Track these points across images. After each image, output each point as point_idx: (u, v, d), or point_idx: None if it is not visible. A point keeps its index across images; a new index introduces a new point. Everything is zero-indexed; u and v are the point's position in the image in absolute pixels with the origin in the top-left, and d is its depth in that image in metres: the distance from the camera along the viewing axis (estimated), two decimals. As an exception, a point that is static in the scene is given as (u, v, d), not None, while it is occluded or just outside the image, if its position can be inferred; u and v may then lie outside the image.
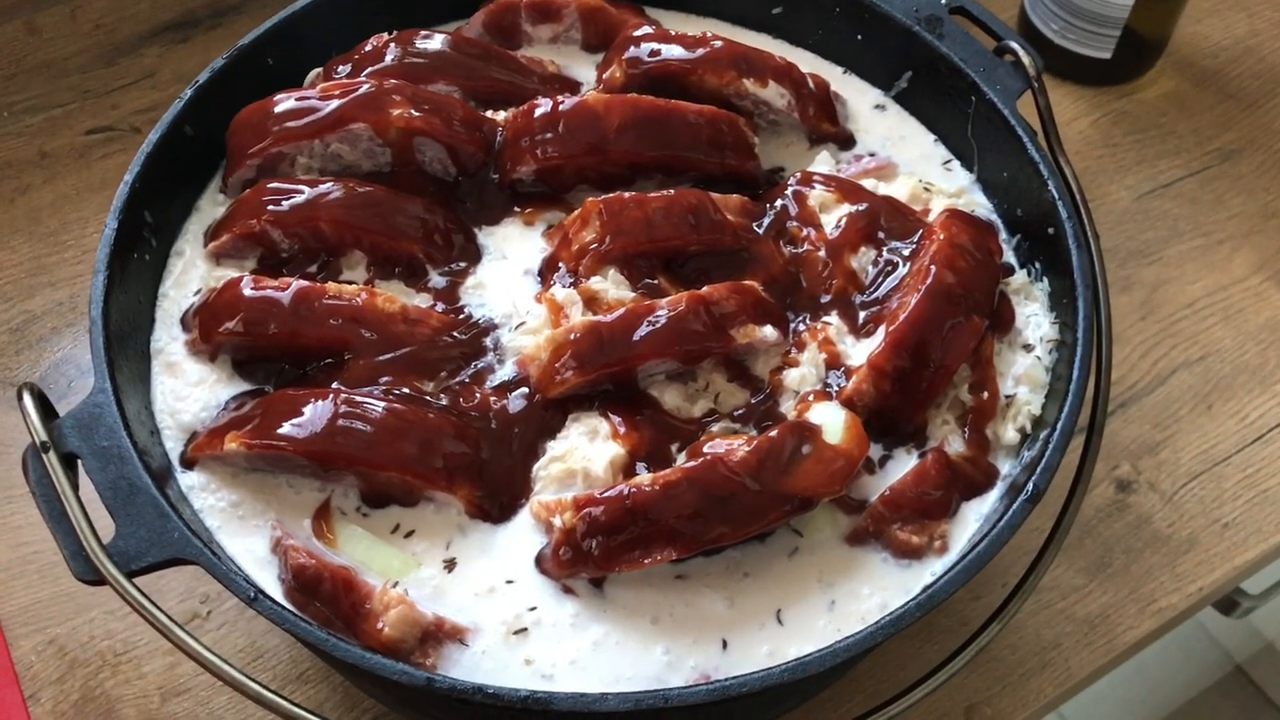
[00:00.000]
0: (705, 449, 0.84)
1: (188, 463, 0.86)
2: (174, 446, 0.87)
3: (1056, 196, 0.93)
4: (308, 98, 0.96)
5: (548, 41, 1.10)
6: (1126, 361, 1.29)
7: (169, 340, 0.92)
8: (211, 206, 0.99)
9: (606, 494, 0.80)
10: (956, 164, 1.05)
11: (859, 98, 1.09)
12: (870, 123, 1.07)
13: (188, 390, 0.89)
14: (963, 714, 1.06)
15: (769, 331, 0.90)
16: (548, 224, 0.98)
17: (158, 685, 1.05)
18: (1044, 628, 1.12)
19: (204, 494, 0.85)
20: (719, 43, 1.02)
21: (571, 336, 0.87)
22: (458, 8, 1.10)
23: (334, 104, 0.95)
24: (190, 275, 0.95)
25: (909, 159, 1.05)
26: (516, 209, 0.99)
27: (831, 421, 0.85)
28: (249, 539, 0.84)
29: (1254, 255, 1.36)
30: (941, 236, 0.91)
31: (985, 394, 0.89)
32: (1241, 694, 2.12)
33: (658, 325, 0.86)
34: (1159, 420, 1.24)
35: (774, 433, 0.83)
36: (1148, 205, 1.41)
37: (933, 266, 0.89)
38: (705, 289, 0.89)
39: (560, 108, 0.96)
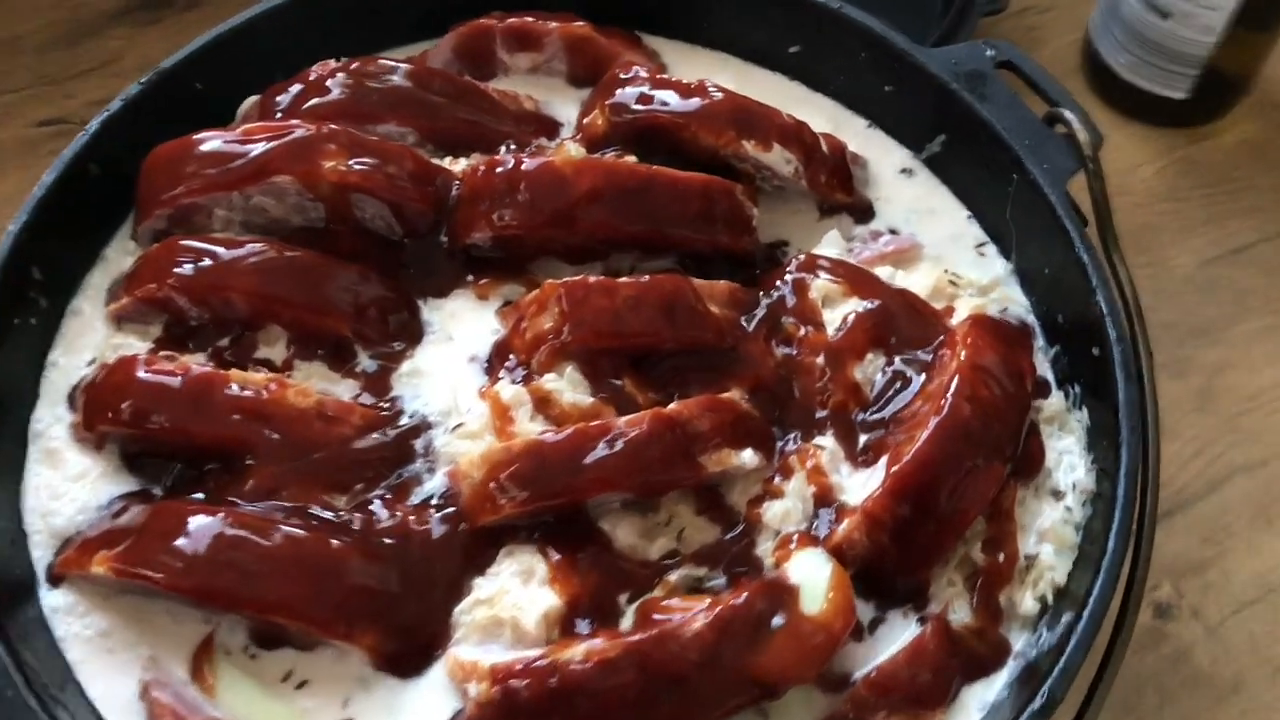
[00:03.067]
0: (657, 614, 0.70)
1: (54, 578, 0.73)
2: (42, 555, 0.75)
3: (1105, 311, 0.78)
4: (231, 140, 0.82)
5: (527, 71, 0.96)
6: (1176, 459, 1.13)
7: (52, 421, 0.79)
8: (120, 256, 0.86)
9: (531, 664, 0.67)
10: (992, 248, 0.89)
11: (884, 158, 0.93)
12: (894, 190, 0.92)
13: (66, 486, 0.76)
14: None
15: (748, 457, 0.75)
16: (504, 300, 0.84)
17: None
18: (1058, 778, 0.98)
19: (69, 619, 0.73)
20: (718, 94, 0.86)
21: (509, 456, 0.73)
22: (425, 26, 0.95)
23: (257, 150, 0.81)
24: (85, 340, 0.82)
25: (936, 238, 0.90)
26: (470, 278, 0.85)
27: (813, 582, 0.70)
28: (115, 679, 0.71)
29: (1335, 341, 1.20)
30: (963, 355, 0.76)
31: (1001, 555, 0.74)
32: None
33: (613, 450, 0.72)
34: (1209, 533, 1.09)
35: (740, 597, 0.69)
36: (1214, 274, 1.24)
37: (948, 396, 0.74)
38: (674, 406, 0.75)
39: (522, 168, 0.82)
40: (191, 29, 1.33)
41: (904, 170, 0.93)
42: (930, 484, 0.72)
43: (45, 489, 0.76)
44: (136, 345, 0.81)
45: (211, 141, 0.82)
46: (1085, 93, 1.35)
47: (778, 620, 0.68)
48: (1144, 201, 1.29)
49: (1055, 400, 0.81)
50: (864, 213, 0.90)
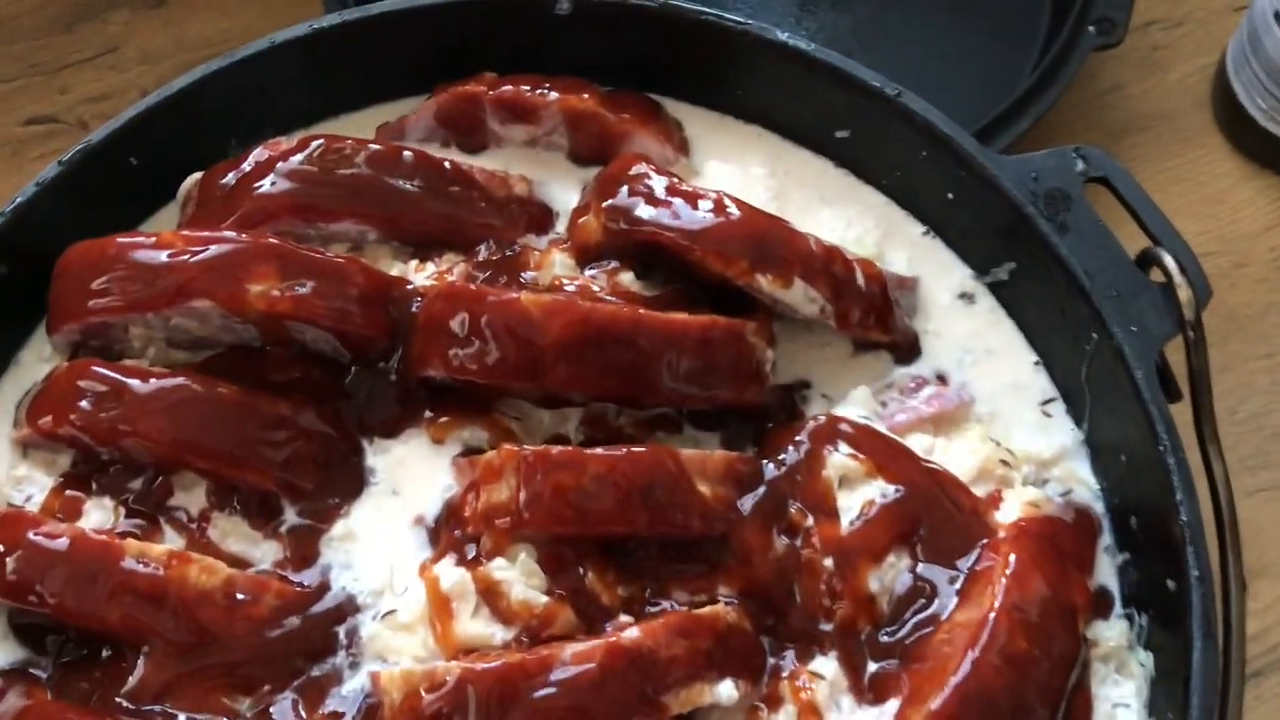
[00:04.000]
0: None
1: (-81, 775, 0.64)
2: (-93, 741, 0.65)
3: (1187, 538, 0.62)
4: (149, 249, 0.70)
5: (522, 144, 0.81)
6: (1270, 610, 0.96)
7: (-63, 568, 0.69)
8: (36, 362, 0.76)
9: None
10: (1060, 408, 0.73)
11: (940, 277, 0.77)
12: (948, 321, 0.76)
13: (-58, 654, 0.67)
14: None
15: (724, 691, 0.63)
16: (464, 445, 0.71)
17: None
18: None
19: (-71, 823, 0.63)
20: (736, 212, 0.71)
21: (432, 683, 0.61)
22: (403, 81, 0.81)
23: (177, 266, 0.68)
24: (-16, 469, 0.72)
25: (993, 388, 0.74)
26: (426, 414, 0.72)
27: None
28: None
29: None
30: (1003, 588, 0.62)
31: None
32: None
33: (555, 693, 0.60)
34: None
35: None
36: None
37: (975, 651, 0.60)
38: (634, 634, 0.62)
39: (487, 300, 0.68)
40: (198, 16, 1.21)
41: (963, 295, 0.77)
42: (939, 764, 0.59)
43: (-82, 656, 0.67)
44: (41, 479, 0.71)
45: (129, 251, 0.70)
46: (1212, 131, 1.15)
47: None
48: (1270, 275, 1.09)
49: (1117, 628, 0.66)
50: (907, 351, 0.75)
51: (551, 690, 0.60)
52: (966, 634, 0.61)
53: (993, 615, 0.61)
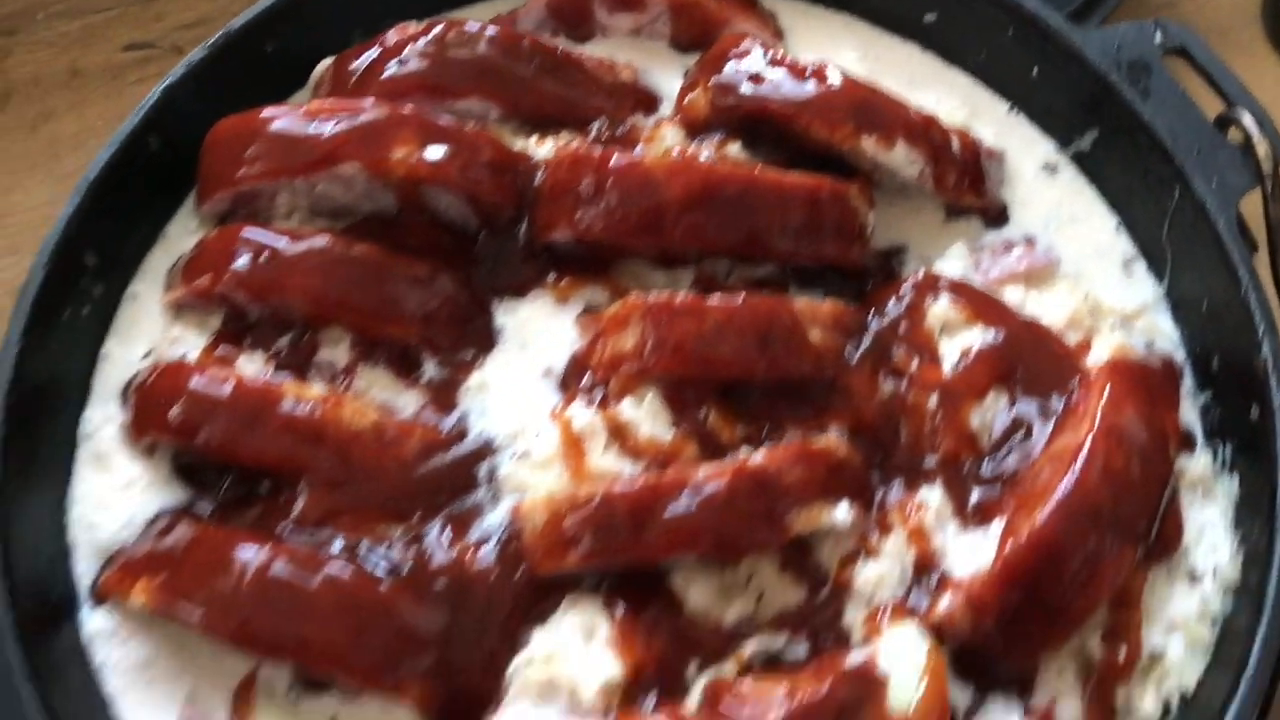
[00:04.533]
0: (728, 701, 0.63)
1: (97, 598, 0.70)
2: (85, 571, 0.71)
3: (1272, 366, 0.67)
4: (298, 120, 0.75)
5: (627, 33, 0.86)
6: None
7: (103, 421, 0.75)
8: (183, 235, 0.80)
9: (587, 751, 0.61)
10: (1142, 266, 0.78)
11: (1024, 150, 0.82)
12: (1034, 190, 0.81)
13: (113, 496, 0.72)
14: None
15: (841, 514, 0.68)
16: (586, 304, 0.77)
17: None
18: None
19: (109, 644, 0.69)
20: (838, 80, 0.76)
21: (576, 504, 0.66)
22: (517, -21, 0.86)
23: (325, 135, 0.74)
24: (141, 330, 0.77)
25: (1078, 252, 0.79)
26: (550, 277, 0.77)
27: (904, 670, 0.63)
28: (153, 713, 0.68)
29: None
30: (1099, 413, 0.67)
31: (1123, 648, 0.65)
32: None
33: (689, 508, 0.65)
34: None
35: (820, 688, 0.62)
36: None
37: (1077, 466, 0.65)
38: (760, 458, 0.67)
39: (610, 165, 0.73)
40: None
41: (1047, 166, 0.81)
42: (1047, 569, 0.64)
43: (92, 498, 0.72)
44: (193, 339, 0.76)
45: (277, 121, 0.76)
46: (1264, 49, 1.19)
47: (863, 716, 0.61)
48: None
49: (1201, 460, 0.71)
50: (997, 217, 0.80)
51: (685, 509, 0.65)
52: (1067, 456, 0.66)
53: (1091, 436, 0.66)
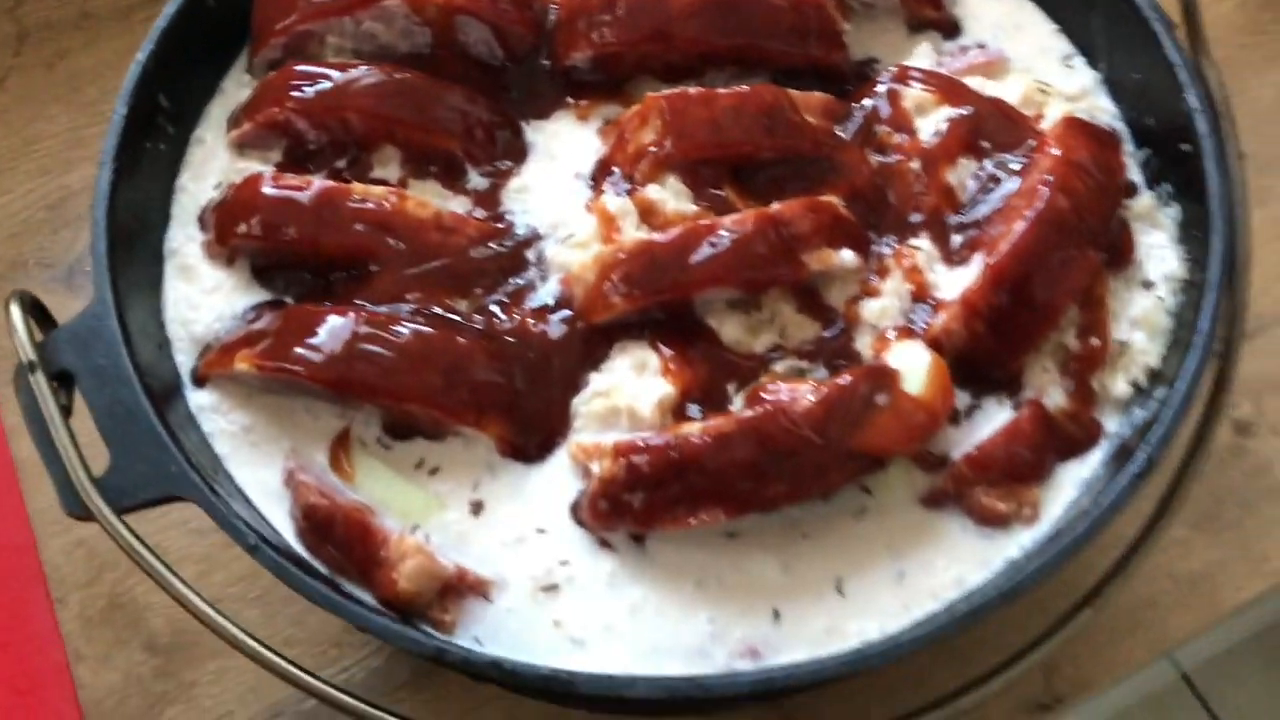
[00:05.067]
0: (765, 394, 0.74)
1: (199, 380, 0.79)
2: (185, 360, 0.80)
3: (1195, 106, 0.79)
4: (340, -32, 0.85)
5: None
6: (1257, 284, 1.13)
7: (184, 240, 0.84)
8: (236, 89, 0.90)
9: (651, 442, 0.71)
10: (1079, 60, 0.90)
11: (970, -23, 0.94)
12: (981, 7, 0.93)
13: (201, 298, 0.81)
14: (1041, 676, 0.97)
15: (847, 256, 0.78)
16: (604, 119, 0.87)
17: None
18: (1139, 584, 1.01)
19: (214, 416, 0.78)
20: (808, -92, 0.88)
21: (621, 257, 0.76)
22: None
23: (368, -25, 0.84)
24: (210, 166, 0.86)
25: (1024, 52, 0.91)
26: (570, 100, 0.88)
27: (913, 367, 0.74)
28: (261, 469, 0.77)
29: None
30: (1057, 152, 0.78)
31: (1094, 339, 0.77)
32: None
33: (719, 248, 0.76)
34: (1289, 352, 1.11)
35: (845, 379, 0.72)
36: (1294, 104, 1.24)
37: (1043, 188, 0.77)
38: (776, 206, 0.78)
39: (620, -16, 0.84)
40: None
41: (991, -12, 0.94)
42: (1027, 273, 0.75)
43: (183, 301, 0.81)
44: (258, 168, 0.85)
45: (324, -31, 0.86)
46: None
47: (882, 399, 0.72)
48: (1224, 35, 1.28)
49: (1145, 199, 0.83)
50: (951, 29, 0.92)
51: (716, 248, 0.76)
52: (1034, 185, 0.78)
53: (1052, 167, 0.77)
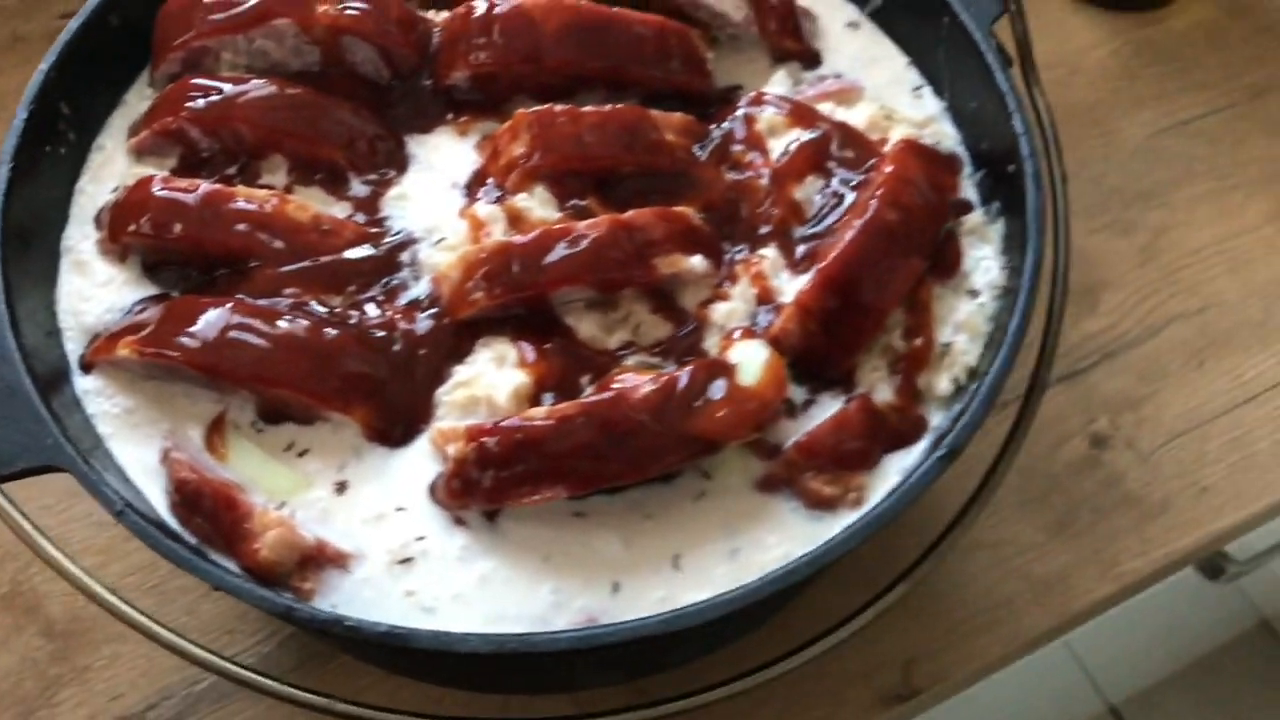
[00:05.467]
0: (613, 384, 0.79)
1: (86, 366, 0.84)
2: (75, 348, 0.85)
3: (1019, 131, 0.86)
4: (236, -10, 0.92)
5: (508, -60, 1.04)
6: (1119, 309, 1.22)
7: (80, 239, 0.89)
8: (139, 101, 0.95)
9: (500, 424, 0.77)
10: (928, 90, 0.98)
11: (832, 14, 1.02)
12: (841, 41, 1.00)
13: (93, 291, 0.86)
14: (901, 667, 1.03)
15: (697, 262, 0.85)
16: (482, 135, 0.93)
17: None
18: (996, 584, 1.07)
19: (99, 399, 0.83)
20: (677, -52, 0.95)
21: (482, 256, 0.82)
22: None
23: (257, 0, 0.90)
24: (109, 171, 0.92)
25: (878, 83, 0.98)
26: (450, 117, 0.94)
27: (750, 361, 0.80)
28: (140, 448, 0.81)
29: (1272, 203, 1.28)
30: (889, 169, 0.85)
31: (919, 340, 0.83)
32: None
33: (574, 250, 0.82)
34: (1146, 373, 1.18)
35: (685, 370, 0.78)
36: (1162, 143, 1.32)
37: (874, 202, 0.83)
38: (629, 213, 0.84)
39: (495, 10, 0.91)
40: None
41: (850, 24, 1.01)
42: (854, 278, 0.82)
43: (76, 294, 0.86)
44: (154, 174, 0.91)
45: (219, -8, 0.92)
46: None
47: (717, 389, 0.78)
48: (1098, 79, 1.37)
49: (976, 215, 0.89)
50: (812, 60, 0.99)
51: (572, 250, 0.82)
52: (866, 199, 0.84)
53: (882, 184, 0.84)
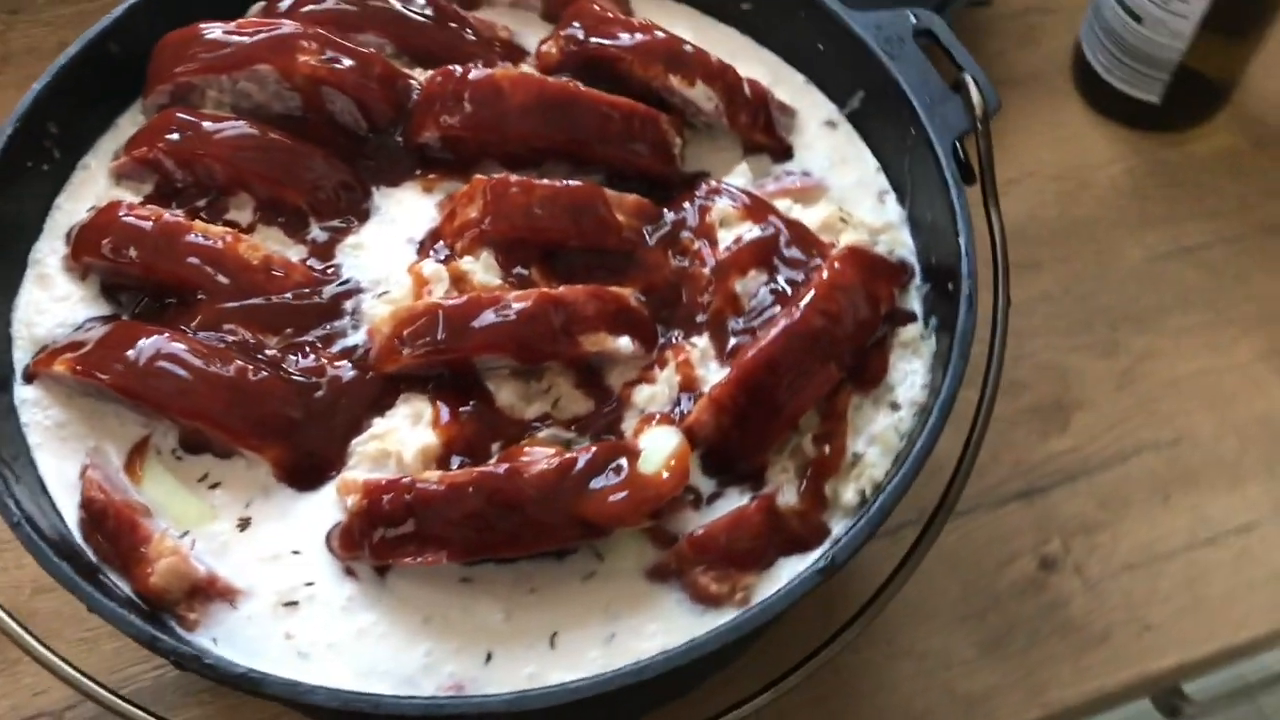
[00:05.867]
0: (520, 455, 0.81)
1: (28, 376, 0.87)
2: (22, 357, 0.88)
3: (963, 250, 0.86)
4: (228, 31, 0.95)
5: (508, 5, 1.07)
6: (1089, 431, 1.20)
7: (49, 253, 0.93)
8: (130, 126, 0.99)
9: (394, 482, 0.78)
10: (892, 197, 0.98)
11: (812, 111, 1.03)
12: (816, 139, 1.01)
13: (50, 304, 0.90)
14: (805, 775, 1.02)
15: (624, 343, 0.86)
16: (446, 194, 0.96)
17: (33, 578, 1.08)
18: (917, 694, 1.06)
19: (35, 410, 0.86)
20: (661, 34, 0.97)
21: (412, 314, 0.84)
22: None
23: (246, 41, 0.94)
24: (88, 191, 0.96)
25: (844, 184, 0.99)
26: (419, 173, 0.96)
27: (656, 448, 0.81)
28: (64, 462, 0.84)
29: (1263, 342, 1.25)
30: (825, 275, 0.86)
31: (830, 448, 0.83)
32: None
33: (500, 319, 0.83)
34: (1107, 500, 1.16)
35: (586, 450, 0.79)
36: (1161, 268, 1.31)
37: (802, 305, 0.84)
38: (562, 289, 0.85)
39: (469, 77, 0.93)
40: None
41: (828, 123, 1.02)
42: (768, 378, 0.82)
43: (33, 305, 0.90)
44: (129, 199, 0.94)
45: (212, 31, 0.96)
46: (1070, 91, 1.43)
47: (615, 473, 0.79)
48: (1106, 196, 1.35)
49: (913, 329, 0.89)
50: (784, 154, 1.00)
51: (497, 319, 0.84)
52: (796, 301, 0.85)
53: (813, 290, 0.85)
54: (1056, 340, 1.25)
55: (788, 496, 0.83)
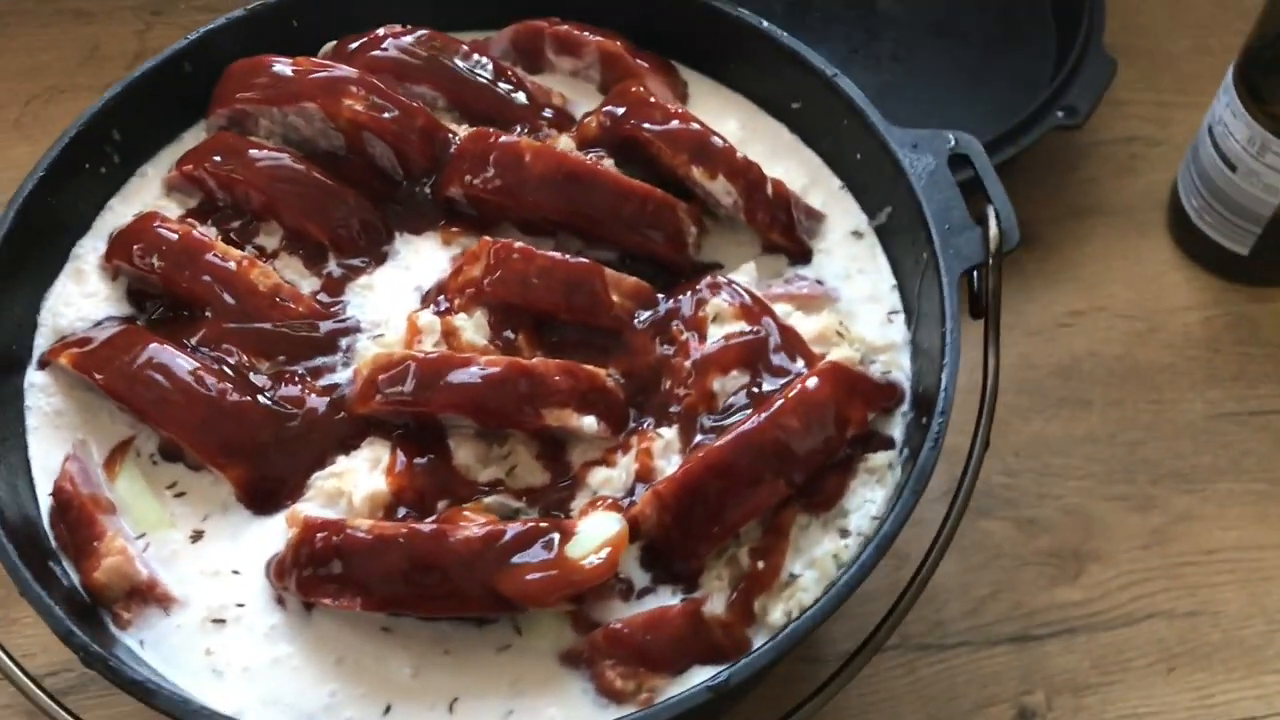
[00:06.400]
0: (460, 519, 0.82)
1: (43, 362, 0.93)
2: (43, 344, 0.94)
3: (943, 384, 0.85)
4: (288, 66, 1.00)
5: (568, 74, 1.10)
6: (1102, 586, 1.15)
7: (90, 250, 0.99)
8: (193, 141, 1.05)
9: (329, 523, 0.81)
10: (901, 318, 0.96)
11: (842, 218, 1.02)
12: (838, 246, 1.00)
13: (78, 298, 0.96)
14: None
15: (589, 422, 0.87)
16: (463, 249, 0.98)
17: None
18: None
19: (40, 394, 0.92)
20: (695, 125, 0.98)
21: (389, 362, 0.87)
22: (490, 20, 1.11)
23: (302, 79, 0.99)
24: (140, 197, 1.02)
25: (857, 296, 0.98)
26: (443, 224, 1.00)
27: (591, 533, 0.81)
28: (53, 449, 0.90)
29: (1317, 525, 1.18)
30: (798, 389, 0.85)
31: (765, 564, 0.82)
32: None
33: (466, 380, 0.85)
34: (1104, 662, 1.11)
35: (518, 526, 0.80)
36: (1220, 427, 1.24)
37: (765, 414, 0.83)
38: (535, 360, 0.87)
39: (498, 141, 0.96)
40: None
41: (855, 232, 1.01)
42: (715, 482, 0.82)
43: (63, 296, 0.96)
44: (174, 210, 1.00)
45: (277, 64, 1.01)
46: (1161, 228, 1.38)
47: (541, 552, 0.80)
48: (1176, 342, 1.30)
49: (883, 456, 0.88)
50: (801, 257, 0.99)
51: (465, 379, 0.86)
52: (761, 410, 0.84)
53: (781, 400, 0.84)
54: (1091, 485, 1.20)
55: (716, 605, 0.83)
